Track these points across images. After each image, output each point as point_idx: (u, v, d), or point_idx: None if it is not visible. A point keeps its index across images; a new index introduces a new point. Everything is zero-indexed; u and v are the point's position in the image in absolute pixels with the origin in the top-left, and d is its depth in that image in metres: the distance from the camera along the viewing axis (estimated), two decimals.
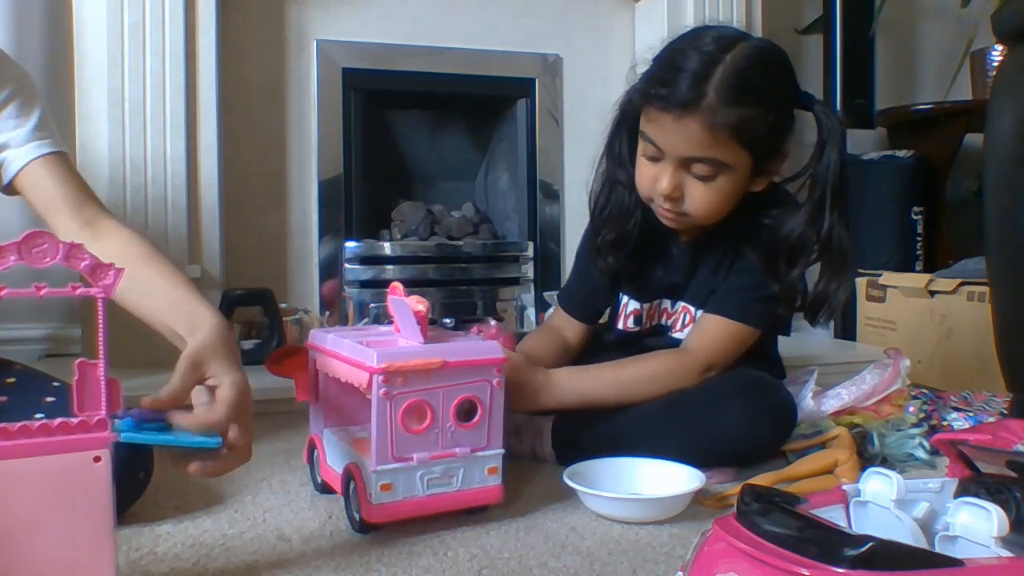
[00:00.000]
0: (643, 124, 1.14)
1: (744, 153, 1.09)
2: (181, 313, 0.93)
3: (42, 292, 0.66)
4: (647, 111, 1.13)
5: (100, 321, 0.67)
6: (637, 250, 1.27)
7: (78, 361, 0.66)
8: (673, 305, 1.31)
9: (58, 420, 0.65)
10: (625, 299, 1.33)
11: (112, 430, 0.67)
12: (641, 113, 1.15)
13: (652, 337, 1.33)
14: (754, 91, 1.06)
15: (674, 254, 1.28)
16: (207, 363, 0.84)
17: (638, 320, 1.32)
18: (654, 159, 1.13)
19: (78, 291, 0.67)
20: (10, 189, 1.14)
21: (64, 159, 1.15)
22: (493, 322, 1.16)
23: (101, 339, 0.67)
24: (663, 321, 1.32)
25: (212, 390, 0.84)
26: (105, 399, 0.66)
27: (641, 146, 1.16)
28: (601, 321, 1.43)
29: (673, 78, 1.07)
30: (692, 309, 1.27)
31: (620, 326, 1.34)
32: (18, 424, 0.64)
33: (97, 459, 0.66)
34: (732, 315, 1.19)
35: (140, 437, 0.75)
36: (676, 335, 1.29)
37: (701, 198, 1.12)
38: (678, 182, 1.11)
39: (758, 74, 1.08)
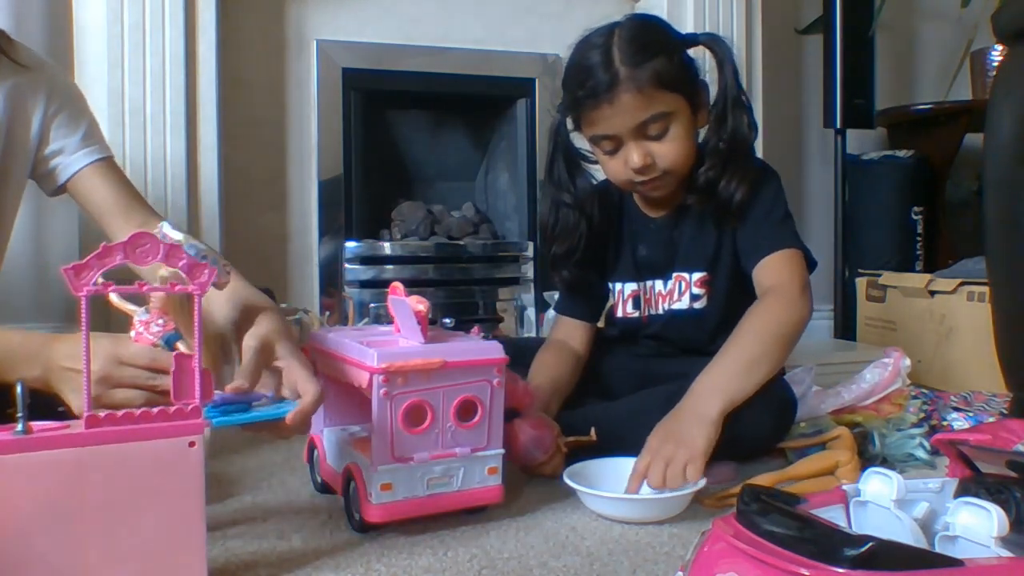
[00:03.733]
0: (588, 132, 1.24)
1: (675, 96, 1.19)
2: (238, 302, 0.96)
3: (144, 289, 0.74)
4: (585, 119, 1.22)
5: (196, 318, 0.72)
6: (618, 232, 1.37)
7: (175, 354, 0.73)
8: (665, 284, 1.34)
9: (157, 408, 0.72)
10: (619, 285, 1.37)
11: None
12: (581, 128, 1.25)
13: (652, 325, 1.36)
14: (650, 46, 1.18)
15: (651, 230, 1.35)
16: (274, 345, 0.90)
17: (636, 303, 1.36)
18: (614, 151, 1.23)
19: (176, 288, 0.74)
20: (59, 191, 1.25)
21: (112, 164, 1.26)
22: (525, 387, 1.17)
23: (197, 334, 0.72)
24: (659, 308, 1.34)
25: (275, 371, 0.90)
26: (199, 389, 0.73)
27: (598, 151, 1.26)
28: (600, 325, 1.44)
29: (589, 78, 1.18)
30: (687, 275, 1.32)
31: (620, 314, 1.37)
32: (121, 411, 0.70)
33: (192, 444, 0.72)
34: (776, 247, 1.23)
35: (229, 420, 0.82)
36: (676, 306, 1.32)
37: (668, 151, 1.21)
38: (644, 151, 1.20)
39: (644, 34, 1.20)
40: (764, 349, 1.14)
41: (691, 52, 1.26)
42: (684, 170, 1.24)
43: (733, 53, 1.25)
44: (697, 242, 1.31)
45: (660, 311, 1.34)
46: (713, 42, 1.26)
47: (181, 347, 0.81)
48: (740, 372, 1.11)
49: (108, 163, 1.25)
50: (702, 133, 1.28)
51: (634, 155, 1.19)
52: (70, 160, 1.22)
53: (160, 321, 0.82)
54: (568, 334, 1.39)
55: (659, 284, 1.35)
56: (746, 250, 1.26)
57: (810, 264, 1.26)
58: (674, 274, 1.33)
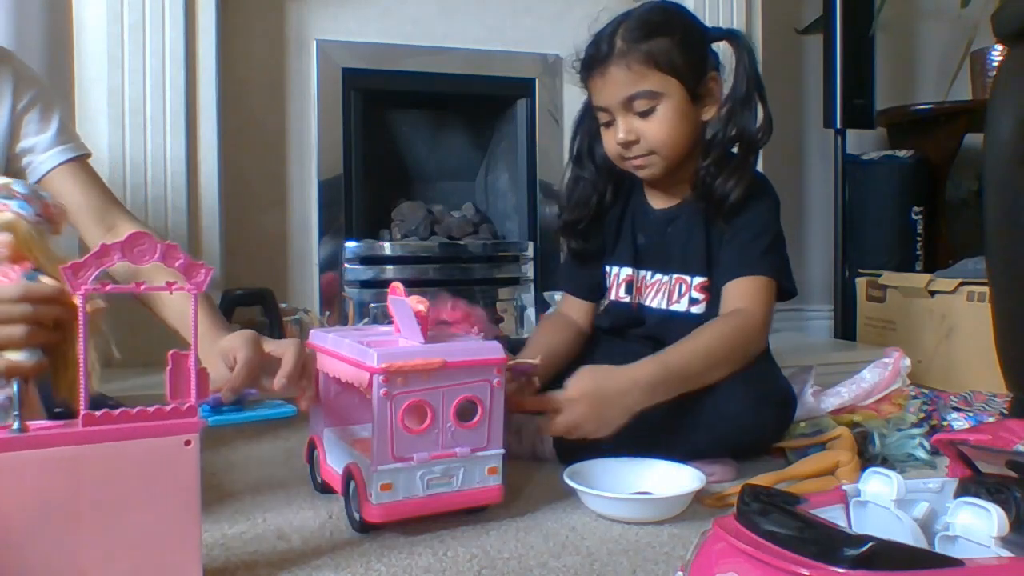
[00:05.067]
0: (593, 103, 1.28)
1: (669, 79, 1.21)
2: (223, 352, 0.97)
3: (141, 288, 0.74)
4: (589, 88, 1.27)
5: (193, 316, 0.72)
6: (621, 216, 1.38)
7: (171, 352, 0.73)
8: (652, 275, 1.34)
9: (153, 406, 0.71)
10: (616, 268, 1.38)
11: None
12: (591, 99, 1.28)
13: (647, 324, 1.35)
14: (655, 26, 1.21)
15: (650, 220, 1.36)
16: (261, 340, 0.92)
17: (629, 288, 1.36)
18: (608, 124, 1.26)
19: (173, 287, 0.73)
20: None
21: (85, 164, 1.24)
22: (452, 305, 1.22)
23: (193, 333, 0.72)
24: (647, 299, 1.34)
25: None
26: (195, 387, 0.72)
27: (598, 123, 1.29)
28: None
29: (592, 48, 1.24)
30: (688, 278, 1.30)
31: (613, 296, 1.39)
32: (118, 410, 0.70)
33: (187, 443, 0.72)
34: (753, 271, 1.23)
35: (225, 419, 0.80)
36: (673, 308, 1.31)
37: (653, 130, 1.22)
38: (629, 127, 1.23)
39: (656, 15, 1.24)
40: (709, 366, 1.13)
41: (717, 49, 1.27)
42: (672, 153, 1.24)
43: (752, 52, 1.26)
44: (697, 245, 1.29)
45: (648, 302, 1.34)
46: (732, 39, 1.28)
47: (45, 280, 0.78)
48: (681, 381, 1.11)
49: (81, 163, 1.24)
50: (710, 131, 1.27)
51: (620, 128, 1.23)
52: (42, 159, 1.21)
53: (15, 267, 0.79)
54: (570, 308, 1.43)
55: (649, 275, 1.35)
56: (725, 263, 1.25)
57: (789, 292, 1.26)
58: (674, 275, 1.32)
